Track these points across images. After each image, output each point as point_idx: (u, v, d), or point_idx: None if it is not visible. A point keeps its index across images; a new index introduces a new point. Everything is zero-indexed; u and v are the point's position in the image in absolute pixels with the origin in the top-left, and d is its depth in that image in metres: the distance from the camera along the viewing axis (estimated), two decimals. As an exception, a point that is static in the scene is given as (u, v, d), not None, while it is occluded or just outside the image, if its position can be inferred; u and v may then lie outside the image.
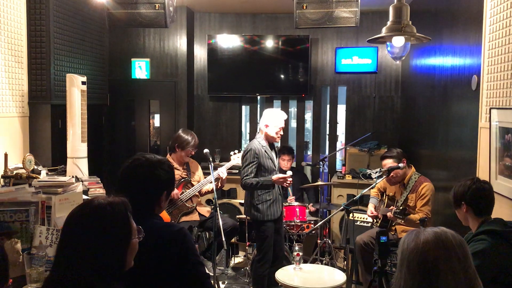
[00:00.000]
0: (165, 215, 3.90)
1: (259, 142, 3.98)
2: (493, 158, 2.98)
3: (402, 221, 3.84)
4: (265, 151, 3.96)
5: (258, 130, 4.15)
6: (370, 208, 4.40)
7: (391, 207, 4.08)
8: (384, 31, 2.85)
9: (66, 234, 1.50)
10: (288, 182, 3.93)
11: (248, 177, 3.88)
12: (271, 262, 4.02)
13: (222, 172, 4.28)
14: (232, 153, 4.47)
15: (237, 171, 5.74)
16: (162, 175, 1.95)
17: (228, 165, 4.44)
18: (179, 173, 4.31)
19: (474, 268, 1.49)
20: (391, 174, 4.00)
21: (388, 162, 4.12)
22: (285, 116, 4.06)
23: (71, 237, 1.48)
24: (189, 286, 1.89)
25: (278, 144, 4.89)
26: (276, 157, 4.16)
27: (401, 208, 3.90)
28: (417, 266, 1.45)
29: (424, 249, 1.45)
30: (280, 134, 4.02)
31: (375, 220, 4.38)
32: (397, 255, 1.56)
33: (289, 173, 4.04)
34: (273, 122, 3.97)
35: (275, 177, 3.87)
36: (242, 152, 4.11)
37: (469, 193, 2.42)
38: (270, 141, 4.06)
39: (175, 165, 4.31)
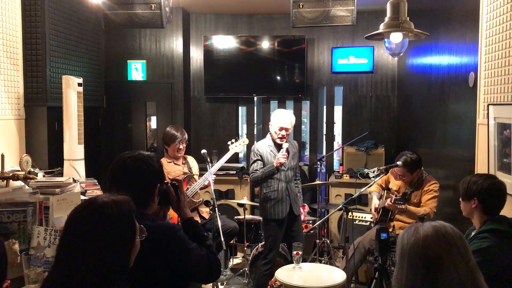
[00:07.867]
0: (173, 213, 3.87)
1: (266, 141, 4.07)
2: (492, 155, 2.98)
3: (403, 206, 3.76)
4: (271, 150, 4.01)
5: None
6: (375, 201, 4.22)
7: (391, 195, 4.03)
8: (381, 27, 2.85)
9: (69, 233, 1.46)
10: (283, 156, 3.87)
11: (253, 173, 4.00)
12: (274, 262, 4.01)
13: (210, 176, 4.14)
14: (229, 142, 4.45)
15: (235, 172, 5.75)
16: (155, 166, 1.97)
17: (221, 161, 4.39)
18: (180, 168, 4.28)
19: (474, 261, 1.48)
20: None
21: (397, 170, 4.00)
22: (287, 116, 3.97)
23: (74, 236, 1.44)
24: (195, 272, 1.95)
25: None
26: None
27: (401, 195, 3.87)
28: (420, 261, 1.43)
29: (425, 244, 1.43)
30: (281, 135, 3.95)
31: (373, 219, 4.34)
32: (396, 252, 1.54)
33: (285, 145, 3.93)
34: (272, 121, 4.04)
35: (276, 162, 3.87)
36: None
37: (485, 192, 2.35)
38: (275, 141, 4.03)
39: (175, 162, 4.28)
